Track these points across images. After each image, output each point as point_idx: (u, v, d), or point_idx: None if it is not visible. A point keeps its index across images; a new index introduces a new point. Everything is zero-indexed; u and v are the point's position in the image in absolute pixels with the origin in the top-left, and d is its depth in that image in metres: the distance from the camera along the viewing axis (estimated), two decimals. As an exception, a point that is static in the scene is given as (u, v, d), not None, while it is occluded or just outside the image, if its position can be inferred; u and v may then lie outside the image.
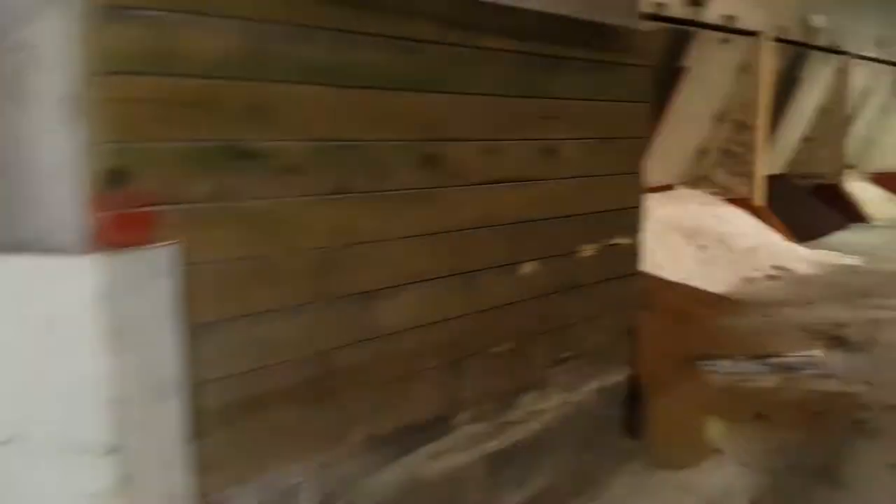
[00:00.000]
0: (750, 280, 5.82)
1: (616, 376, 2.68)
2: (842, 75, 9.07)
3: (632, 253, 2.76)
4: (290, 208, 1.65)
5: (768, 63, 7.14)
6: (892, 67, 10.51)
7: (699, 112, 7.12)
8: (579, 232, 2.46)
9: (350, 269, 1.77)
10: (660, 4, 5.76)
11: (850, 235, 8.21)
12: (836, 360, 3.87)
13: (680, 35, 6.24)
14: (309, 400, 1.70)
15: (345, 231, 1.76)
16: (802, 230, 7.74)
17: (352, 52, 1.73)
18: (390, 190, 1.86)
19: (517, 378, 2.27)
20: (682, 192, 7.49)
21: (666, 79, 6.43)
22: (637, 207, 2.77)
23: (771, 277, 5.92)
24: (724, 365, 3.83)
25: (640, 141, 2.75)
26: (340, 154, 1.74)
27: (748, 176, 7.38)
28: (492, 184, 2.14)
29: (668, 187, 7.51)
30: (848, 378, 3.58)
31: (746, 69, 7.14)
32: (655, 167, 7.38)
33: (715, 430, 2.97)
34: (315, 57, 1.66)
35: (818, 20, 8.03)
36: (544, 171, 2.30)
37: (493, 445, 2.16)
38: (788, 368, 3.75)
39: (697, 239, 6.37)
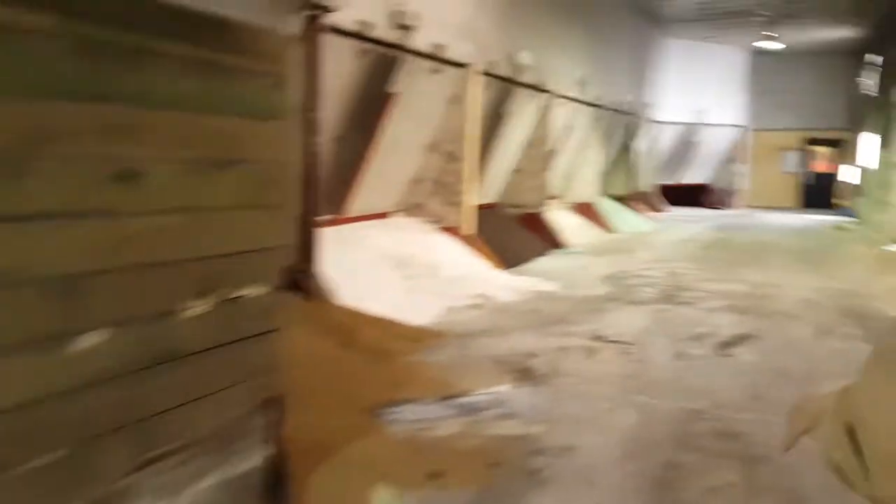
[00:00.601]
0: (454, 309, 5.73)
1: (247, 462, 2.14)
2: (545, 112, 9.74)
3: (265, 306, 2.24)
4: None
5: (476, 96, 7.29)
6: (589, 107, 11.63)
7: (412, 140, 7.03)
8: (181, 284, 1.89)
9: None
10: (365, 24, 5.50)
11: (551, 261, 8.73)
12: (521, 395, 3.78)
13: (389, 59, 6.05)
14: None
15: None
16: (510, 257, 8.03)
17: None
18: None
19: (75, 498, 1.62)
20: (398, 221, 7.34)
21: (376, 104, 6.21)
22: (274, 249, 2.26)
23: (474, 306, 5.91)
24: (409, 411, 3.53)
25: (274, 166, 2.25)
26: None
27: (458, 205, 7.45)
28: (18, 221, 1.49)
29: (383, 215, 7.32)
30: (529, 416, 3.47)
31: (456, 100, 7.23)
32: (371, 195, 7.17)
33: (383, 500, 2.59)
34: None
35: (524, 58, 8.47)
36: (117, 201, 1.70)
37: None
38: (473, 410, 3.56)
39: (407, 269, 6.19)
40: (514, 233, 9.48)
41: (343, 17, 5.24)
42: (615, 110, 13.10)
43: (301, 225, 4.99)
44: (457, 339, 4.85)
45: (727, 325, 5.35)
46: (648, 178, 16.10)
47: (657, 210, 15.93)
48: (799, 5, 13.12)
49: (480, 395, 3.75)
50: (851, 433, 0.57)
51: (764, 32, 14.18)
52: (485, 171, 8.94)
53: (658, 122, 16.17)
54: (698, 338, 4.95)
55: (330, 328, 4.63)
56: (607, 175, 14.40)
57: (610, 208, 12.99)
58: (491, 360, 4.40)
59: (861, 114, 16.67)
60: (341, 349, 4.46)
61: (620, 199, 14.20)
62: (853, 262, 9.08)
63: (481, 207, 9.06)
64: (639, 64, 14.88)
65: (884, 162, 12.73)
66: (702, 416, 3.46)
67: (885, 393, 0.51)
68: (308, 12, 4.79)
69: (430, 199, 7.54)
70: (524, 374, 4.15)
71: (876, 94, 14.85)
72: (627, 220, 13.15)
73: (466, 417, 3.46)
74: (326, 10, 4.89)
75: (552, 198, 10.98)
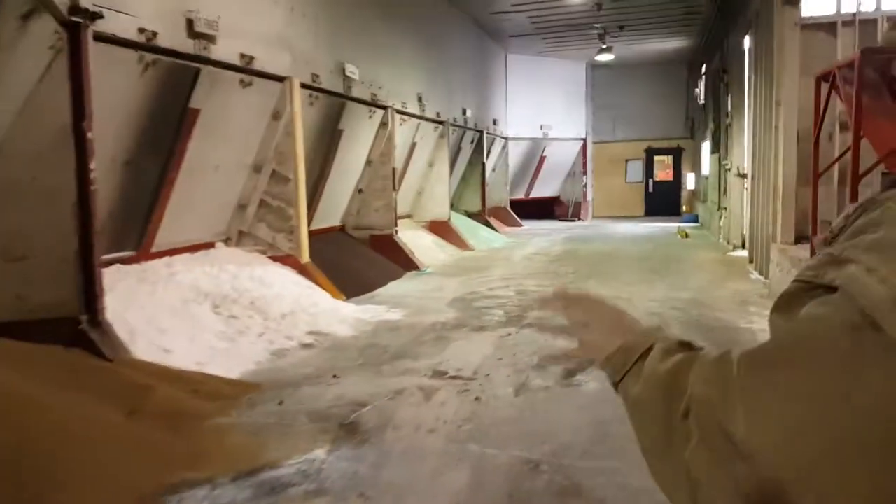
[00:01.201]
0: (282, 352, 5.05)
1: None
2: (386, 129, 9.27)
3: None
4: None
5: (297, 111, 6.67)
6: (432, 123, 11.31)
7: (229, 161, 6.28)
8: None
9: None
10: (148, 32, 4.70)
11: (402, 285, 8.23)
12: (339, 462, 3.18)
13: (187, 71, 5.30)
14: None
15: None
16: (354, 285, 7.45)
17: None
18: None
19: None
20: (221, 252, 6.55)
21: (174, 122, 5.42)
22: None
23: (305, 346, 5.26)
24: (195, 497, 2.83)
25: None
26: None
27: (290, 231, 6.78)
28: None
29: (204, 246, 6.50)
30: (344, 491, 2.88)
31: (277, 116, 6.57)
32: (182, 225, 6.33)
33: None
34: None
35: (352, 71, 7.94)
36: None
37: None
38: (277, 488, 2.92)
39: (227, 307, 5.43)
40: (362, 257, 8.90)
41: (119, 24, 4.46)
42: (460, 126, 12.91)
43: (78, 267, 4.13)
44: (276, 391, 4.18)
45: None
46: (500, 193, 16.10)
47: (510, 224, 15.96)
48: (631, 17, 13.58)
49: (289, 467, 3.12)
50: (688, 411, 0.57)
51: (600, 45, 14.58)
52: (323, 192, 8.32)
53: (506, 137, 16.24)
54: (541, 367, 4.58)
55: (115, 391, 3.80)
56: (459, 191, 14.20)
57: (464, 225, 12.75)
58: (311, 415, 3.77)
59: (697, 122, 17.66)
60: (126, 418, 3.66)
61: (474, 216, 14.04)
62: (698, 270, 9.27)
63: (321, 232, 8.44)
64: (483, 79, 14.84)
65: (717, 168, 13.40)
66: (540, 468, 3.02)
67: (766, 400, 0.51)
68: (67, 19, 3.98)
69: (258, 225, 6.81)
70: (348, 431, 3.56)
71: (704, 102, 15.72)
72: (482, 236, 12.97)
73: (266, 500, 2.81)
74: (92, 16, 4.10)
75: (403, 217, 10.54)
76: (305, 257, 6.87)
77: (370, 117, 8.85)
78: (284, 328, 5.43)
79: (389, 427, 3.60)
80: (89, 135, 4.13)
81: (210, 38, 5.25)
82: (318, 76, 7.16)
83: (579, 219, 18.57)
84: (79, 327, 4.07)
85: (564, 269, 9.44)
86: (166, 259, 5.91)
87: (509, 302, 6.98)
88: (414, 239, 10.26)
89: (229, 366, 4.60)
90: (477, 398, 4.03)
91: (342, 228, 9.37)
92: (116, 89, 4.70)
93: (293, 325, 5.51)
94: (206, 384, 4.20)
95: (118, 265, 5.40)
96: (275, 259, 6.73)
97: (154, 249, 5.78)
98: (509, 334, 5.59)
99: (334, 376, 4.47)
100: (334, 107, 7.89)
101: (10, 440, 3.06)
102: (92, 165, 4.16)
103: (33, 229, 4.06)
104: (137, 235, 5.59)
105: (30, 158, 4.01)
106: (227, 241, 6.77)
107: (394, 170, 9.45)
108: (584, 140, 18.70)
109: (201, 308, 5.26)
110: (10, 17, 3.97)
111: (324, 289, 6.69)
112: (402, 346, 5.26)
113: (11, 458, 2.94)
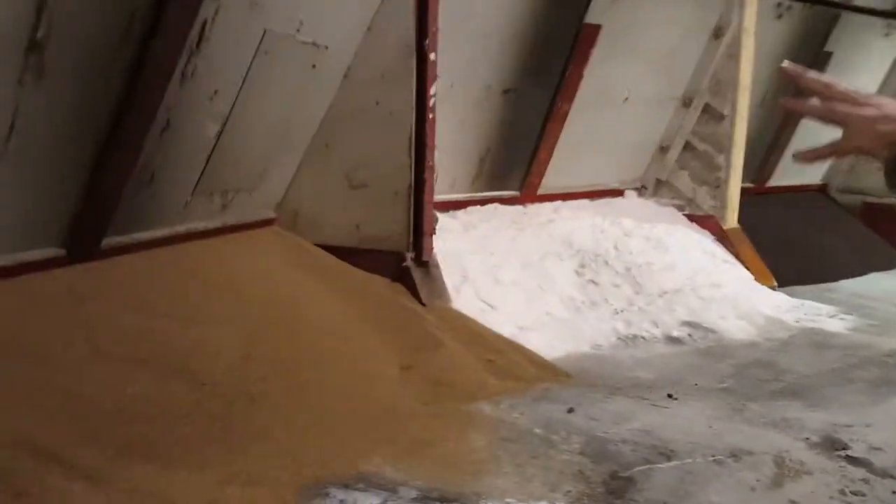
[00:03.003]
0: (633, 340, 3.92)
1: None
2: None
3: None
4: None
5: (752, 27, 5.00)
6: None
7: (645, 91, 5.15)
8: None
9: None
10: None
11: (889, 280, 5.89)
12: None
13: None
14: None
15: None
16: (803, 268, 5.57)
17: None
18: None
19: None
20: (627, 203, 5.56)
21: (570, 42, 4.56)
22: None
23: (671, 340, 3.99)
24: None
25: None
26: None
27: (717, 185, 5.32)
28: None
29: (614, 193, 5.62)
30: None
31: (719, 34, 5.07)
32: (586, 164, 5.53)
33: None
34: None
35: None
36: None
37: None
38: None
39: (595, 271, 4.49)
40: (838, 232, 6.67)
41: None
42: None
43: (410, 201, 3.78)
44: (580, 392, 3.14)
45: None
46: None
47: None
48: None
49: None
50: None
51: None
52: (792, 138, 6.40)
53: None
54: None
55: (406, 340, 3.33)
56: None
57: None
58: (588, 445, 2.65)
59: None
60: (399, 372, 3.18)
61: None
62: None
63: (785, 190, 6.59)
64: None
65: None
66: None
67: None
68: None
69: (679, 173, 5.55)
70: (609, 491, 2.39)
71: None
72: None
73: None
74: None
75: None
76: (732, 221, 5.34)
77: (886, 36, 6.37)
78: (655, 310, 4.23)
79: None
80: (431, 56, 3.66)
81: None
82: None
83: None
84: (402, 264, 3.78)
85: None
86: (556, 203, 5.24)
87: None
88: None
89: (553, 341, 3.73)
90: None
91: (822, 189, 7.22)
92: (490, 4, 4.12)
93: (668, 309, 4.26)
94: (505, 356, 3.43)
95: (496, 205, 4.99)
96: (692, 218, 5.42)
97: (542, 191, 5.16)
98: None
99: (669, 396, 3.18)
100: (819, 21, 5.83)
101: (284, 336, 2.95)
102: (431, 91, 3.69)
103: (374, 157, 3.83)
104: (522, 174, 5.05)
105: (373, 82, 3.76)
106: (640, 190, 5.73)
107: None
108: None
109: (561, 265, 4.46)
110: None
111: (747, 266, 5.10)
112: (808, 379, 3.52)
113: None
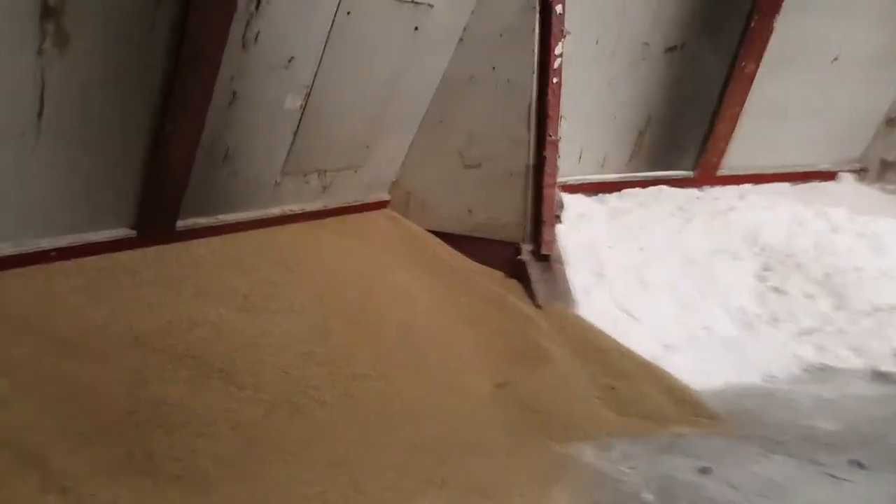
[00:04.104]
0: (822, 373, 2.95)
1: None
2: None
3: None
4: None
5: None
6: None
7: (860, 50, 3.96)
8: None
9: None
10: None
11: None
12: None
13: None
14: None
15: None
16: None
17: None
18: None
19: None
20: (840, 188, 4.40)
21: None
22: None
23: (877, 376, 2.93)
24: None
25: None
26: None
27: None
28: None
29: (826, 176, 4.49)
30: None
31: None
32: (781, 140, 4.40)
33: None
34: None
35: None
36: None
37: None
38: None
39: (783, 275, 3.51)
40: None
41: None
42: None
43: (528, 184, 3.13)
44: (724, 447, 2.35)
45: None
46: None
47: None
48: None
49: None
50: None
51: None
52: None
53: None
54: None
55: (510, 349, 2.78)
56: None
57: None
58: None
59: None
60: (493, 388, 2.60)
61: None
62: None
63: None
64: None
65: None
66: None
67: None
68: None
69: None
70: None
71: None
72: None
73: None
74: None
75: None
76: None
77: None
78: (859, 332, 3.18)
79: None
80: (558, 8, 2.97)
81: None
82: None
83: None
84: (517, 257, 3.16)
85: None
86: (744, 188, 4.27)
87: None
88: None
89: (708, 366, 2.90)
90: None
91: None
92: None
93: (879, 333, 3.17)
94: (634, 383, 2.70)
95: (662, 187, 4.15)
96: (929, 210, 4.14)
97: (724, 172, 4.22)
98: None
99: (856, 463, 2.24)
100: None
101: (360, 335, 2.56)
102: (557, 51, 3.01)
103: (489, 132, 3.24)
104: (696, 151, 4.14)
105: (490, 43, 3.15)
106: (860, 173, 4.51)
107: None
108: None
109: (735, 267, 3.54)
110: None
111: None
112: None
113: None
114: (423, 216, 3.44)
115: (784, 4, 3.57)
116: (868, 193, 4.33)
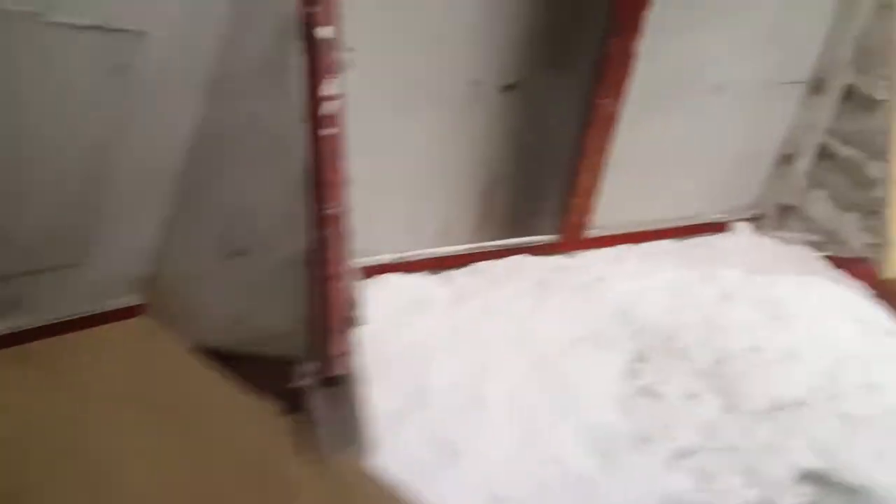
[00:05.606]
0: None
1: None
2: None
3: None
4: None
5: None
6: None
7: (746, 74, 3.30)
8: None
9: None
10: None
11: None
12: None
13: None
14: None
15: None
16: None
17: None
18: None
19: None
20: (734, 241, 3.71)
21: (606, 3, 2.85)
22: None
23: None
24: None
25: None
26: None
27: (874, 210, 3.34)
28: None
29: (713, 228, 3.80)
30: None
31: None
32: (662, 188, 3.73)
33: None
34: None
35: None
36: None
37: None
38: None
39: (660, 368, 2.74)
40: None
41: None
42: None
43: (303, 272, 2.28)
44: None
45: None
46: None
47: None
48: None
49: None
50: None
51: None
52: None
53: None
54: None
55: None
56: None
57: None
58: None
59: None
60: None
61: None
62: None
63: None
64: None
65: None
66: None
67: None
68: None
69: (813, 194, 3.63)
70: None
71: None
72: None
73: None
74: None
75: None
76: (902, 268, 3.34)
77: None
78: (751, 450, 2.41)
79: None
80: (323, 32, 2.13)
81: None
82: None
83: None
84: (293, 384, 2.28)
85: None
86: (618, 249, 3.54)
87: None
88: None
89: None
90: None
91: None
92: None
93: (779, 447, 2.41)
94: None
95: (523, 256, 3.38)
96: (835, 263, 3.49)
97: (593, 232, 3.47)
98: None
99: None
100: None
101: None
102: (326, 91, 2.18)
103: (257, 208, 2.39)
104: (554, 210, 3.39)
105: (246, 84, 2.30)
106: (755, 222, 3.85)
107: None
108: None
109: (601, 360, 2.75)
110: None
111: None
112: None
113: None
114: (187, 325, 2.55)
115: (648, 24, 2.87)
116: (765, 246, 3.67)
